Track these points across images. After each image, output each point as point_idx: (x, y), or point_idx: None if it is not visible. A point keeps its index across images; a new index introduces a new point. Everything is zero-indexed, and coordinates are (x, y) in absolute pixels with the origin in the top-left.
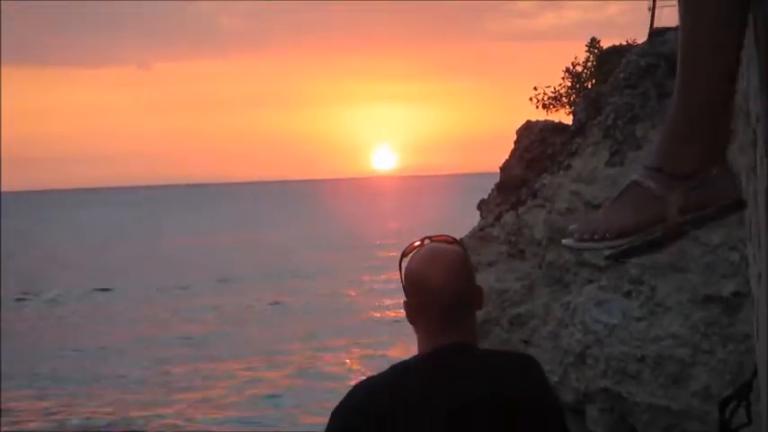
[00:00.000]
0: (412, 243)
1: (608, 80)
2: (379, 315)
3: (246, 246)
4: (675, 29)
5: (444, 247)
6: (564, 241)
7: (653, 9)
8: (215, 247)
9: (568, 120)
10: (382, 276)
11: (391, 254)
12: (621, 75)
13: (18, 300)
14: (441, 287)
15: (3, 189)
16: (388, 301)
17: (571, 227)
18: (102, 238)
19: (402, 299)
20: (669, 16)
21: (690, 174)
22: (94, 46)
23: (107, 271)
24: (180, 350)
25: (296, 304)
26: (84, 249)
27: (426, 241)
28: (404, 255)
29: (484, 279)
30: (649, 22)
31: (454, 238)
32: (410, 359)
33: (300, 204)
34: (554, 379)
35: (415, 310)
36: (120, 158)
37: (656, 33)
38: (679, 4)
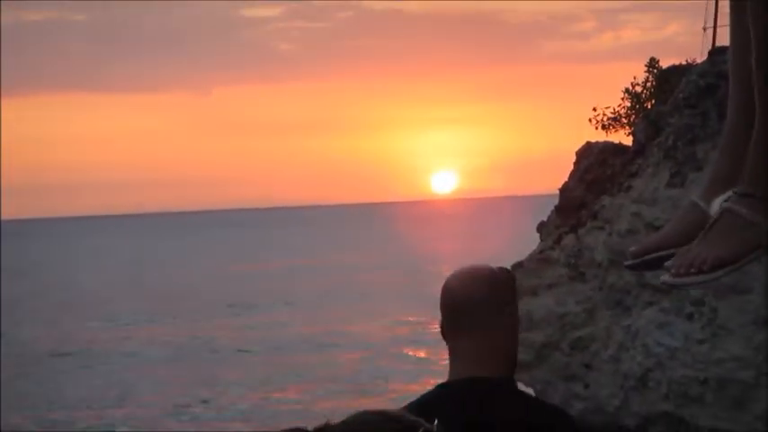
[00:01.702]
0: None
1: (668, 100)
2: None
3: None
4: None
5: (480, 265)
6: (662, 278)
7: (714, 28)
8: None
9: (628, 141)
10: None
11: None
12: (681, 95)
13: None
14: (460, 294)
15: (73, 212)
16: None
17: (667, 263)
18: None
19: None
20: (721, 36)
21: None
22: (153, 71)
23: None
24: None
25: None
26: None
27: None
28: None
29: (544, 302)
30: (711, 42)
31: (505, 269)
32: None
33: (363, 227)
34: (615, 403)
35: (444, 326)
36: (181, 183)
37: (716, 53)
38: (753, 26)
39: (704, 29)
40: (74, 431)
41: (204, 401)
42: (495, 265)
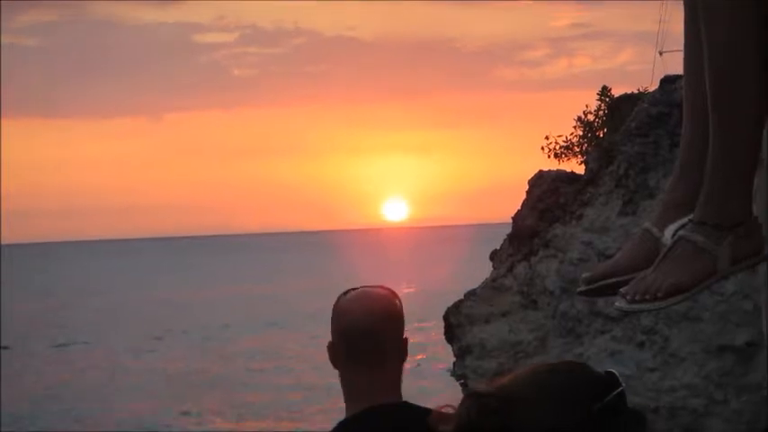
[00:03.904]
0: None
1: (620, 128)
2: None
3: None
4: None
5: (375, 290)
6: (616, 304)
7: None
8: (210, 299)
9: (580, 169)
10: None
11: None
12: (633, 123)
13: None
14: (368, 328)
15: (6, 242)
16: None
17: (623, 289)
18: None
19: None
20: (679, 63)
21: (735, 223)
22: (104, 97)
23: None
24: None
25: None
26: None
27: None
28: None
29: (497, 330)
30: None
31: (389, 289)
32: (348, 420)
33: (310, 255)
34: None
35: (341, 353)
36: (127, 210)
37: (667, 81)
38: (708, 59)
39: (660, 53)
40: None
41: None
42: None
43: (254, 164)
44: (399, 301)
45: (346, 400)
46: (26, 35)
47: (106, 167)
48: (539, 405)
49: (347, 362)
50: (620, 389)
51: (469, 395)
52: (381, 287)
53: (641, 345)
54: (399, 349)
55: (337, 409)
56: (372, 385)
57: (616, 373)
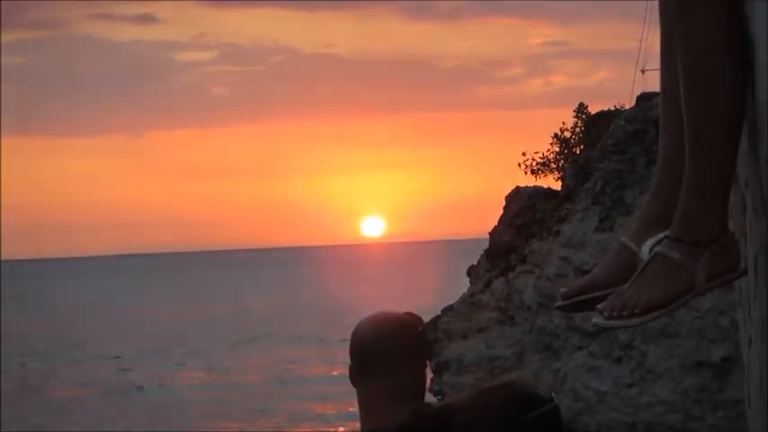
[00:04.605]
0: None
1: (596, 145)
2: None
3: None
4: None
5: (389, 312)
6: (594, 320)
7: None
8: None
9: (557, 185)
10: None
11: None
12: (609, 140)
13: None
14: (371, 345)
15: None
16: None
17: (600, 305)
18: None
19: None
20: (655, 80)
21: (711, 240)
22: (84, 115)
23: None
24: None
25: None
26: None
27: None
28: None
29: (474, 346)
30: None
31: (413, 314)
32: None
33: (287, 271)
34: None
35: (355, 374)
36: (103, 228)
37: (643, 98)
38: (683, 79)
39: (642, 71)
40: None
41: None
42: (418, 309)
43: (232, 181)
44: (415, 319)
45: (360, 419)
46: (6, 54)
47: (84, 184)
48: (473, 413)
49: (361, 381)
50: (549, 406)
51: (414, 409)
52: (394, 313)
53: (618, 360)
54: (411, 363)
55: None
56: (382, 400)
57: (554, 395)
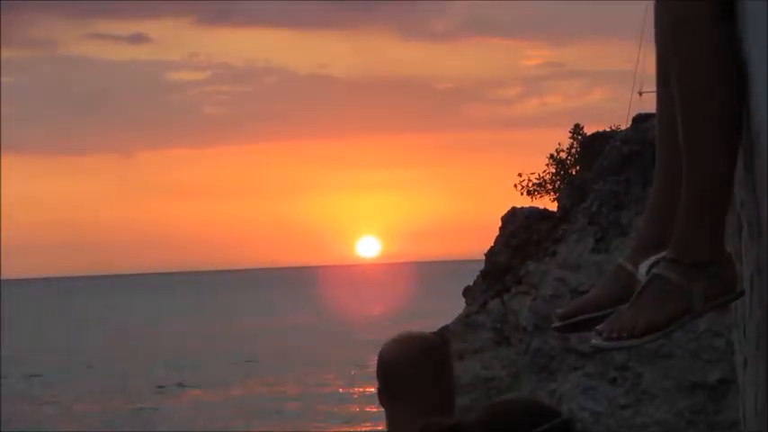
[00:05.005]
0: None
1: (592, 166)
2: None
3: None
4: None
5: (414, 332)
6: (593, 341)
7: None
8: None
9: (553, 206)
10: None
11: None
12: (605, 162)
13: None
14: (395, 360)
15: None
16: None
17: (599, 326)
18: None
19: None
20: (651, 102)
21: (708, 262)
22: (76, 134)
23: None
24: None
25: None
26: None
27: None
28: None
29: (470, 366)
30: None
31: (438, 334)
32: None
33: (285, 291)
34: None
35: (383, 393)
36: (94, 246)
37: (639, 119)
38: (679, 103)
39: (640, 93)
40: None
41: None
42: (427, 329)
43: (224, 202)
44: (440, 338)
45: None
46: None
47: (76, 203)
48: (484, 427)
49: (388, 401)
50: (558, 420)
51: (423, 424)
52: (419, 333)
53: (614, 381)
54: (436, 381)
55: None
56: (407, 418)
57: (562, 410)
